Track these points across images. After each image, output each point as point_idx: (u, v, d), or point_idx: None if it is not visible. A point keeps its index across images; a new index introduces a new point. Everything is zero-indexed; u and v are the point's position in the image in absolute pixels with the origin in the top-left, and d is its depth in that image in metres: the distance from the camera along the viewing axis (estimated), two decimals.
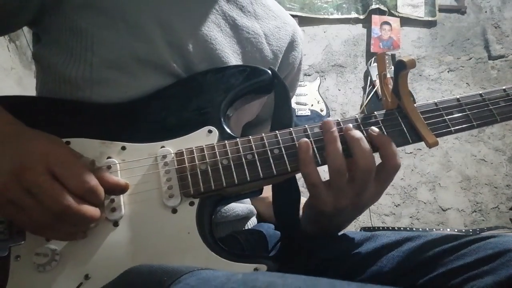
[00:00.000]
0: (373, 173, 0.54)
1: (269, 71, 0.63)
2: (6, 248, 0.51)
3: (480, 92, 0.62)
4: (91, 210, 0.48)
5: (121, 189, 0.52)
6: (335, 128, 0.55)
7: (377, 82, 2.53)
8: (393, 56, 2.69)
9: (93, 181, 0.48)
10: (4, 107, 0.54)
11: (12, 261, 0.51)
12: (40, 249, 0.50)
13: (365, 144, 0.54)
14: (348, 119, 0.59)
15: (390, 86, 0.61)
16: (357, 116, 0.60)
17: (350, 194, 0.54)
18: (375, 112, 0.60)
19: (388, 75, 0.63)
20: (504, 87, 0.62)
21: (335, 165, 0.53)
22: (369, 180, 0.54)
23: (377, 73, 2.55)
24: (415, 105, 0.59)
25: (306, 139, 0.55)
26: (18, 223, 0.48)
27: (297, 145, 0.55)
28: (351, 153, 0.54)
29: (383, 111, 0.61)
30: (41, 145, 0.49)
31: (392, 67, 2.55)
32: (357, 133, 0.54)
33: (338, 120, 0.59)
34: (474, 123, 0.59)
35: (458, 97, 0.61)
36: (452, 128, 0.59)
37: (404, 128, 0.58)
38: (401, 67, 0.57)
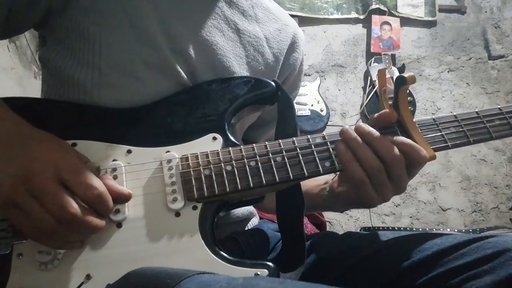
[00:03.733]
0: (403, 164, 0.56)
1: (273, 83, 0.64)
2: (8, 245, 0.51)
3: (477, 110, 0.64)
4: (96, 221, 0.48)
5: (124, 198, 0.52)
6: (355, 135, 0.57)
7: (377, 83, 2.53)
8: (393, 56, 2.69)
9: (101, 187, 0.48)
10: (11, 109, 0.54)
11: (14, 259, 0.51)
12: (43, 247, 0.50)
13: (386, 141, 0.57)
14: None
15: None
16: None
17: (391, 187, 0.57)
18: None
19: (389, 87, 0.65)
20: (499, 106, 0.65)
21: (374, 165, 0.55)
22: (403, 171, 0.56)
23: (377, 73, 2.55)
24: (414, 119, 0.61)
25: (340, 142, 0.57)
26: (19, 227, 0.48)
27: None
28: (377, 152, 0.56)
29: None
30: (50, 150, 0.49)
31: (392, 67, 2.57)
32: (376, 132, 0.57)
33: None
34: (471, 139, 0.61)
35: (455, 114, 0.63)
36: (449, 143, 0.61)
37: None
38: (402, 83, 0.59)
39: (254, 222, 0.82)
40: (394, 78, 2.52)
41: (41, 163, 0.47)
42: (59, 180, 0.47)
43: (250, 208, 0.80)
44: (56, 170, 0.47)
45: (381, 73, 0.66)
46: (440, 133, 0.61)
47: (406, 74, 0.57)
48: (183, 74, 0.64)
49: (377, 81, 2.51)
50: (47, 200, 0.45)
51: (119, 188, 0.52)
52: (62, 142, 0.52)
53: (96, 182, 0.48)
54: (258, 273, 0.51)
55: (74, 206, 0.46)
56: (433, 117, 0.62)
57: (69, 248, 0.51)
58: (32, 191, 0.46)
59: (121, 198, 0.52)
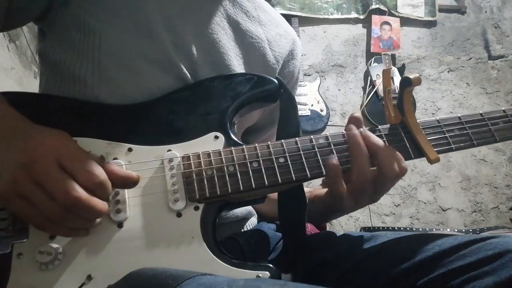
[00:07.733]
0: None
1: (276, 81, 0.63)
2: (8, 245, 0.51)
3: (481, 112, 0.63)
4: (100, 203, 0.48)
5: (133, 181, 0.51)
6: (362, 143, 0.57)
7: (377, 82, 2.53)
8: (393, 56, 2.69)
9: (102, 175, 0.48)
10: (10, 103, 0.53)
11: (14, 258, 0.51)
12: (43, 247, 0.50)
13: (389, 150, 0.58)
14: None
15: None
16: (361, 129, 0.61)
17: (368, 197, 0.59)
18: (379, 126, 0.62)
19: (393, 87, 0.65)
20: (503, 108, 0.64)
21: (365, 177, 0.56)
22: (389, 182, 0.58)
23: (377, 73, 2.56)
24: (418, 121, 0.60)
25: (334, 162, 0.56)
26: (24, 218, 0.48)
27: (323, 166, 0.57)
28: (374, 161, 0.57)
29: (387, 126, 0.62)
30: (51, 138, 0.49)
31: (392, 67, 2.56)
32: (380, 141, 0.58)
33: (342, 132, 0.60)
34: (475, 141, 0.61)
35: (459, 115, 0.62)
36: (453, 146, 0.60)
37: (407, 144, 0.60)
38: (407, 84, 0.58)
39: (253, 221, 0.82)
40: (395, 78, 2.52)
41: (42, 151, 0.47)
42: (60, 167, 0.46)
43: (249, 208, 0.80)
44: (57, 157, 0.46)
45: (386, 73, 0.65)
46: (444, 135, 0.61)
47: (411, 76, 0.57)
48: (184, 70, 0.64)
49: (377, 81, 2.51)
50: (50, 185, 0.45)
51: (127, 172, 0.52)
52: (62, 132, 0.52)
53: (97, 170, 0.48)
54: (260, 275, 0.51)
55: (77, 189, 0.45)
56: (437, 118, 0.62)
57: (75, 235, 0.50)
58: (34, 179, 0.45)
59: (130, 182, 0.51)
